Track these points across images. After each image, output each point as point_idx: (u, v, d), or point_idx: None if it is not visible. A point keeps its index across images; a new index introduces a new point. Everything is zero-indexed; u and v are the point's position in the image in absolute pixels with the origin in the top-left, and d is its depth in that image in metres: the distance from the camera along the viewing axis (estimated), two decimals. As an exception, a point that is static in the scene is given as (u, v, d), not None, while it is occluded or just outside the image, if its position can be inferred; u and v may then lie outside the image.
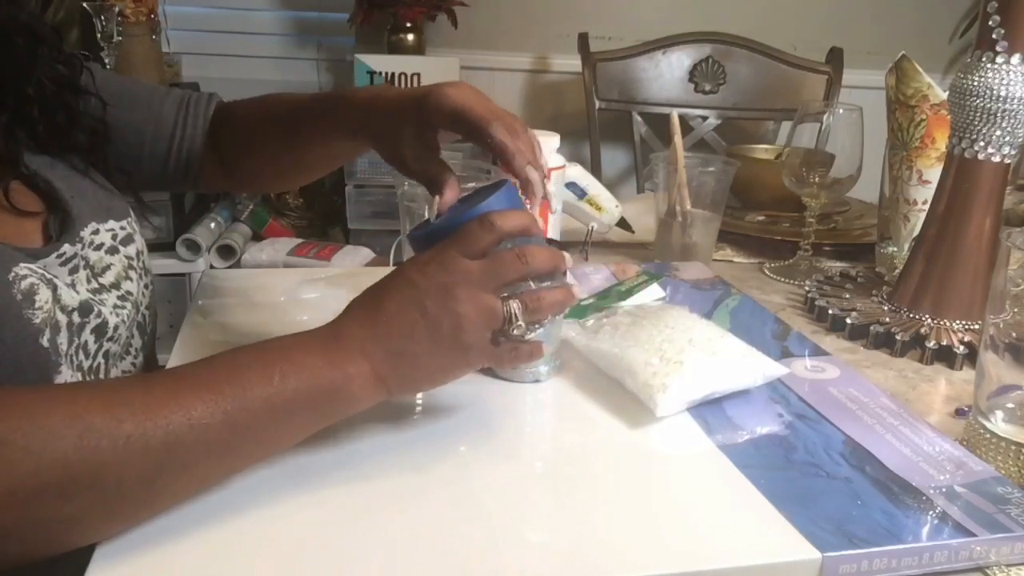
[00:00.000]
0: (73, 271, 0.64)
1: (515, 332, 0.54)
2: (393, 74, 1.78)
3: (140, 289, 0.71)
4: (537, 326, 0.55)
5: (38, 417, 0.44)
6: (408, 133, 0.64)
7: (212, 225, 1.74)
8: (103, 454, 0.44)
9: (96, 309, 0.63)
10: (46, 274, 0.60)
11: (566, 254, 0.57)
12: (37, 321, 0.57)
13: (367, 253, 1.64)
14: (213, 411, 0.47)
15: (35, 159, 0.67)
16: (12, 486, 0.42)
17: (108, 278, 0.67)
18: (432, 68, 1.80)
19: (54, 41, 0.71)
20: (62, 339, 0.59)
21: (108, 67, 1.68)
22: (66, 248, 0.64)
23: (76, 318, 0.61)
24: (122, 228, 0.71)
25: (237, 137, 0.82)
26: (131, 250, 0.71)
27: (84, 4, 1.64)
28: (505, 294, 0.54)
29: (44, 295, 0.58)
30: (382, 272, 0.89)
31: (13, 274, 0.57)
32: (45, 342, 0.57)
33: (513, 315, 0.54)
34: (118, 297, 0.67)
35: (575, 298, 0.57)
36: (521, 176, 0.61)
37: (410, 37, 1.96)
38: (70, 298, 0.61)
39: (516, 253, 0.54)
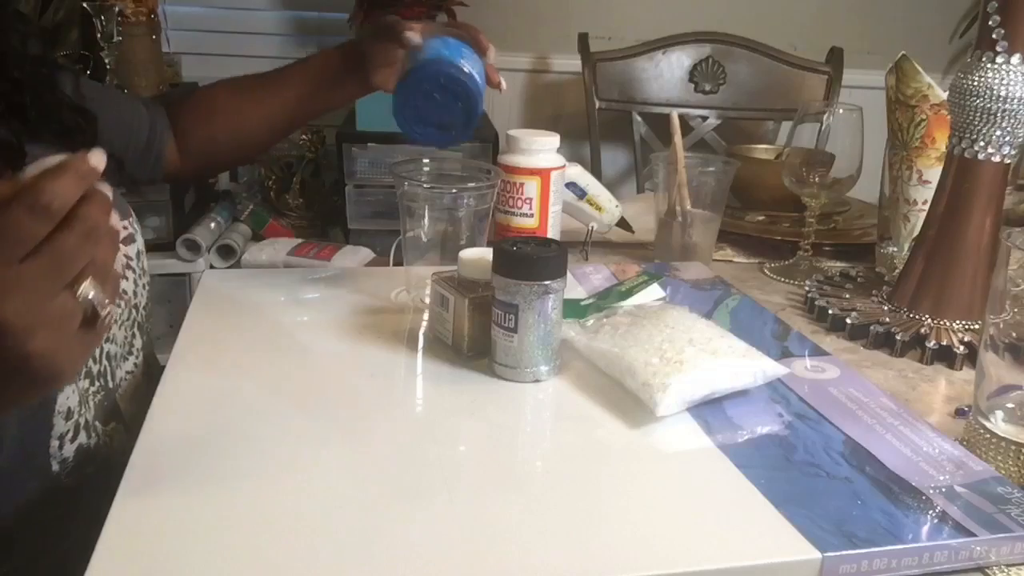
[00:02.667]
0: None
1: (106, 318, 0.43)
2: (393, 74, 1.78)
3: (136, 289, 0.71)
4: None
5: None
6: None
7: (212, 225, 1.74)
8: None
9: None
10: None
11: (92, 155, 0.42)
12: None
13: (367, 253, 1.63)
14: None
15: (34, 153, 0.67)
16: None
17: None
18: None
19: (24, 22, 0.71)
20: None
21: (108, 67, 1.68)
22: None
23: None
24: (124, 228, 0.70)
25: (199, 106, 0.91)
26: (131, 250, 0.71)
27: (84, 4, 1.64)
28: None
29: None
30: (383, 272, 0.90)
31: None
32: None
33: (96, 303, 0.43)
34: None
35: (117, 233, 0.45)
36: (471, 32, 0.75)
37: (410, 37, 1.96)
38: None
39: (81, 231, 0.41)
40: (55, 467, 0.61)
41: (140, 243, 0.73)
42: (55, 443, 0.60)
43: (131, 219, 0.72)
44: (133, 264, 0.71)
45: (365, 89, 0.87)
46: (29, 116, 0.67)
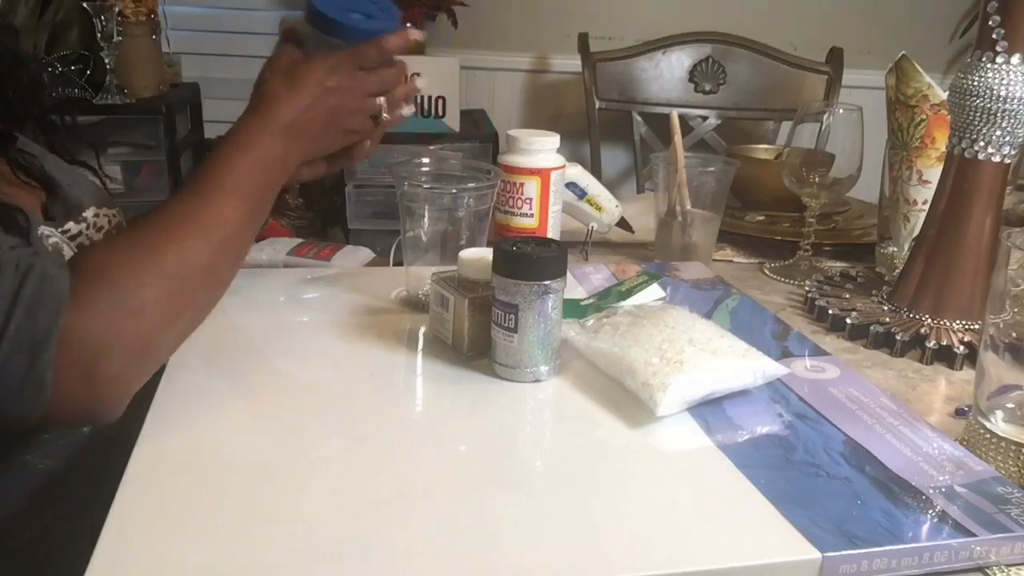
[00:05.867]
0: (78, 248, 0.66)
1: (383, 121, 0.76)
2: (393, 74, 1.78)
3: None
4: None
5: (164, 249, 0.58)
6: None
7: (212, 225, 1.74)
8: (205, 259, 0.60)
9: None
10: (63, 240, 0.62)
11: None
12: None
13: (367, 253, 1.63)
14: (243, 213, 0.64)
15: (27, 150, 0.68)
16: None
17: None
18: (432, 68, 1.79)
19: (10, 32, 0.75)
20: None
21: (108, 67, 1.69)
22: (70, 225, 0.67)
23: None
24: (114, 215, 0.74)
25: None
26: None
27: (84, 4, 1.64)
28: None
29: (68, 254, 0.63)
30: (383, 272, 0.90)
31: (40, 231, 0.61)
32: None
33: (381, 107, 0.75)
34: None
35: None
36: None
37: (410, 37, 1.96)
38: None
39: (397, 68, 0.75)
40: (40, 465, 0.61)
41: None
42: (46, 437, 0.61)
43: (116, 209, 0.75)
44: None
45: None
46: (11, 104, 0.71)
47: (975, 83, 0.75)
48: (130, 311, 0.54)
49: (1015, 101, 0.74)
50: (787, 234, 1.09)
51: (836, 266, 1.02)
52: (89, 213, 0.70)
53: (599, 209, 1.03)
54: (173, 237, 0.59)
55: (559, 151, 0.91)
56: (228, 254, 0.63)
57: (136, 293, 0.55)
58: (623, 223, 1.06)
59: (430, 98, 1.80)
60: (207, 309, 0.62)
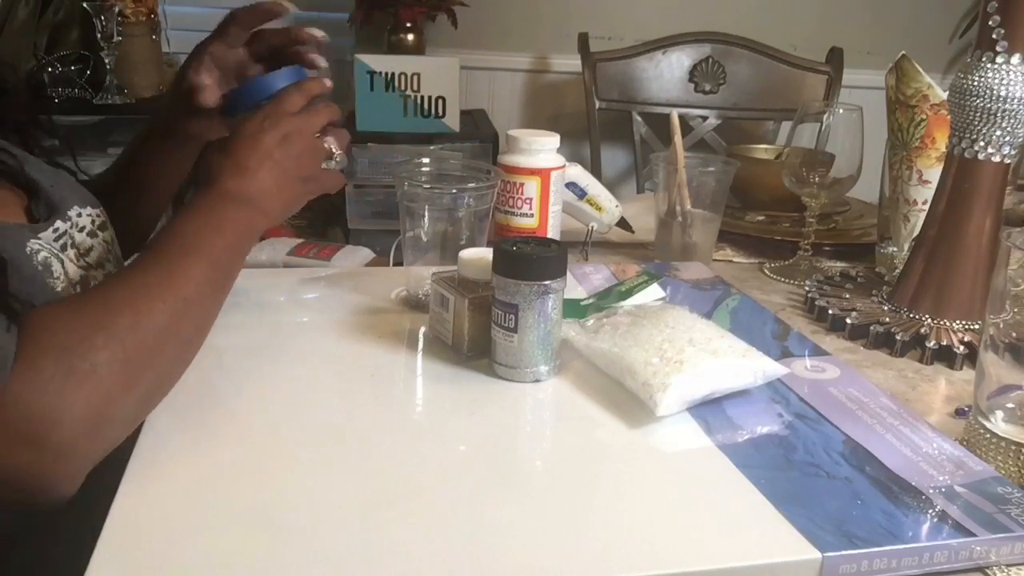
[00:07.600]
0: (63, 248, 0.66)
1: (335, 162, 0.73)
2: (393, 74, 1.78)
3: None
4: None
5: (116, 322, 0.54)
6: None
7: (212, 225, 1.74)
8: (158, 331, 0.56)
9: (92, 283, 0.67)
10: (52, 248, 0.62)
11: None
12: (59, 289, 0.61)
13: (367, 253, 1.63)
14: (205, 274, 0.60)
15: (10, 151, 0.68)
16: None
17: (92, 258, 0.70)
18: (432, 68, 1.80)
19: None
20: None
21: (108, 67, 1.69)
22: (59, 224, 0.67)
23: (79, 291, 0.64)
24: (98, 215, 0.73)
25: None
26: (108, 235, 0.73)
27: (84, 4, 1.64)
28: (318, 135, 0.71)
29: (58, 267, 0.62)
30: (383, 272, 0.90)
31: (29, 248, 0.60)
32: None
33: (331, 148, 0.72)
34: (104, 276, 0.70)
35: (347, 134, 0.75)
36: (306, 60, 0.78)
37: (410, 37, 1.96)
38: (73, 272, 0.65)
39: (325, 105, 0.72)
40: None
41: (112, 231, 0.75)
42: None
43: (101, 208, 0.75)
44: (112, 248, 0.74)
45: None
46: None
47: (975, 83, 0.75)
48: (80, 375, 0.50)
49: (1015, 101, 0.74)
50: (787, 234, 1.09)
51: (836, 266, 1.02)
52: (72, 212, 0.69)
53: (599, 209, 1.03)
54: (126, 297, 0.56)
55: (559, 151, 0.91)
56: (190, 315, 0.59)
57: (87, 355, 0.51)
58: (623, 223, 1.06)
59: (430, 98, 1.80)
60: (171, 374, 0.59)
